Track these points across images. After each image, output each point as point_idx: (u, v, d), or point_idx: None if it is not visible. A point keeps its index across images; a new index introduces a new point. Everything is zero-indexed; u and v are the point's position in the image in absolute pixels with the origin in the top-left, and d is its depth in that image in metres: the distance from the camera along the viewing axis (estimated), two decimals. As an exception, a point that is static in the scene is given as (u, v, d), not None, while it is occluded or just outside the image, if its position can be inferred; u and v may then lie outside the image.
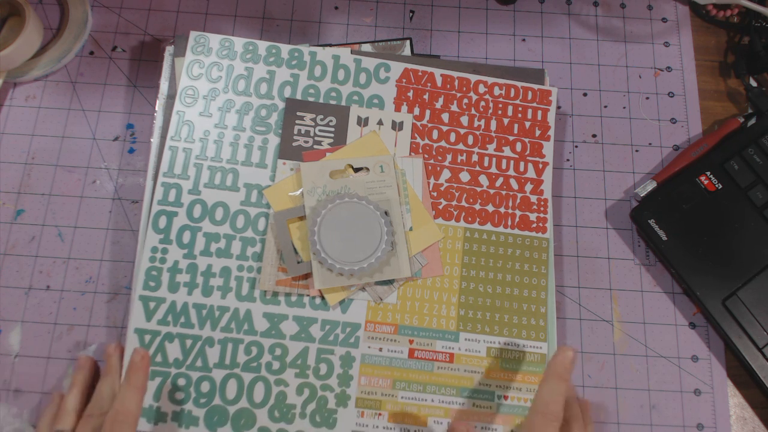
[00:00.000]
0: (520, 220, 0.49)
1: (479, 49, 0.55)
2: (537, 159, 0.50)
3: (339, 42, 0.55)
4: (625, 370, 0.48)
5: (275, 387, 0.45)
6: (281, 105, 0.50)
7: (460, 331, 0.46)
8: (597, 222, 0.52)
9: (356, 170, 0.48)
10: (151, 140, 0.49)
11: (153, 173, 0.48)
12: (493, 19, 0.56)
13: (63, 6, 0.54)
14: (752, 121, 0.53)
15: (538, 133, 0.51)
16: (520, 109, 0.51)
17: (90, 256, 0.49)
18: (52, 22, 0.54)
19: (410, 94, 0.51)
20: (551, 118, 0.51)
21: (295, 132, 0.49)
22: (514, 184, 0.50)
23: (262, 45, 0.51)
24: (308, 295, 0.46)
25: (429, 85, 0.51)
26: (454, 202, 0.49)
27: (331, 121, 0.49)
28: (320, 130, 0.49)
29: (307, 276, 0.46)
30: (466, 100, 0.51)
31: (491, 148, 0.50)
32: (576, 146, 0.53)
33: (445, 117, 0.50)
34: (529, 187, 0.50)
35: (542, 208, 0.49)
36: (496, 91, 0.51)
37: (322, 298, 0.46)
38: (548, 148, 0.50)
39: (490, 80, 0.51)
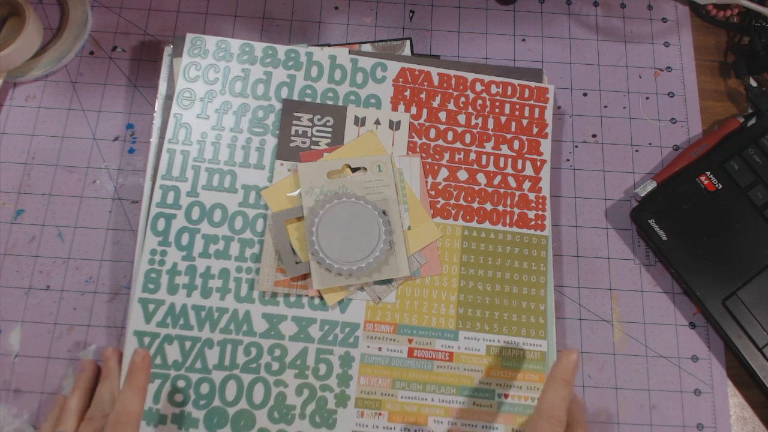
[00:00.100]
0: (519, 218, 0.49)
1: (479, 49, 0.55)
2: (535, 157, 0.50)
3: (339, 42, 0.55)
4: (625, 370, 0.48)
5: (275, 388, 0.45)
6: (278, 106, 0.50)
7: (459, 329, 0.46)
8: (597, 222, 0.52)
9: (354, 170, 0.48)
10: (150, 141, 0.49)
11: (152, 174, 0.48)
12: (493, 19, 0.56)
13: (63, 6, 0.54)
14: (752, 121, 0.53)
15: (535, 130, 0.51)
16: (517, 107, 0.51)
17: (90, 256, 0.49)
18: (52, 22, 0.54)
19: (407, 93, 0.51)
20: (549, 115, 0.51)
21: (293, 132, 0.49)
22: (512, 182, 0.50)
23: (259, 46, 0.51)
24: (307, 296, 0.46)
25: (426, 84, 0.51)
26: (452, 201, 0.49)
27: (328, 121, 0.49)
28: (317, 131, 0.49)
29: (306, 276, 0.46)
30: (463, 99, 0.51)
31: (489, 147, 0.50)
32: (576, 146, 0.53)
33: (443, 116, 0.50)
34: (527, 184, 0.50)
35: (540, 206, 0.49)
36: (493, 89, 0.51)
37: (321, 298, 0.46)
38: (546, 145, 0.50)
39: (487, 78, 0.51)
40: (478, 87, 0.51)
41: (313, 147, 0.49)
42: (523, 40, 0.56)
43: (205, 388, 0.44)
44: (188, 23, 0.55)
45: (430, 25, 0.56)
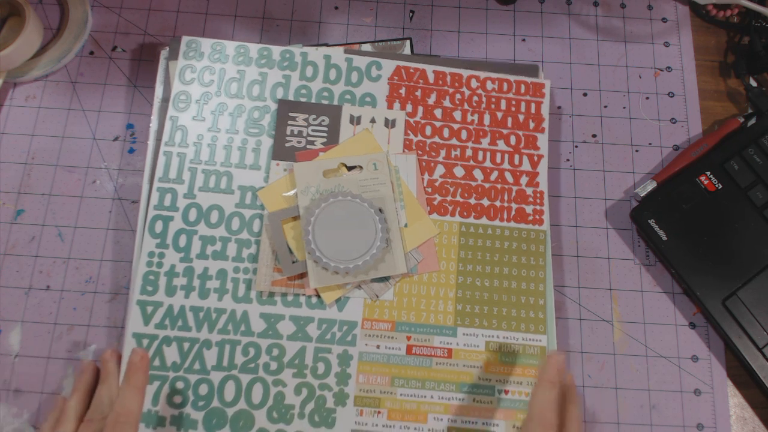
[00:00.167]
0: (516, 213, 0.49)
1: (479, 49, 0.55)
2: (532, 151, 0.50)
3: (339, 42, 0.55)
4: (625, 370, 0.48)
5: (273, 387, 0.45)
6: (274, 106, 0.50)
7: (457, 326, 0.46)
8: (597, 222, 0.52)
9: (350, 169, 0.48)
10: (148, 143, 0.49)
11: (149, 177, 0.48)
12: (493, 19, 0.56)
13: (63, 6, 0.54)
14: (752, 121, 0.53)
15: (532, 125, 0.51)
16: (513, 102, 0.51)
17: (90, 256, 0.49)
18: (52, 22, 0.54)
19: (402, 91, 0.51)
20: (545, 110, 0.51)
21: (288, 133, 0.49)
22: (509, 178, 0.50)
23: (254, 47, 0.51)
24: (304, 295, 0.46)
25: (421, 81, 0.51)
26: (449, 197, 0.49)
27: (323, 120, 0.50)
28: (313, 130, 0.49)
29: (303, 275, 0.46)
30: (458, 96, 0.51)
31: (485, 143, 0.50)
32: (576, 146, 0.53)
33: (438, 113, 0.51)
34: (524, 179, 0.50)
35: (538, 201, 0.49)
36: (489, 85, 0.51)
37: (318, 297, 0.46)
38: (543, 140, 0.50)
39: (483, 75, 0.51)
40: (474, 83, 0.51)
41: (308, 147, 0.49)
42: (523, 40, 0.56)
43: (203, 389, 0.44)
44: (188, 23, 0.55)
45: (430, 25, 0.56)
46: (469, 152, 0.50)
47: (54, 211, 0.50)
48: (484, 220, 0.49)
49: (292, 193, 0.48)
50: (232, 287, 0.46)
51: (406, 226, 0.48)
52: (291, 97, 0.50)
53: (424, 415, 0.45)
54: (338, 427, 0.44)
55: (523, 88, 0.51)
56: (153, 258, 0.46)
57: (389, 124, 0.50)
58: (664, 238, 0.49)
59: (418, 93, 0.51)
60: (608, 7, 0.57)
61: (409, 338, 0.46)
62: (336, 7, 0.56)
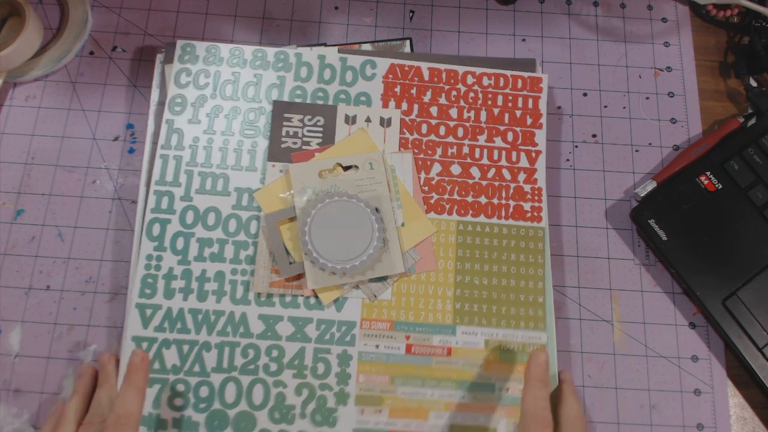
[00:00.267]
0: (515, 211, 0.49)
1: (479, 49, 0.55)
2: (530, 148, 0.50)
3: (339, 42, 0.55)
4: (625, 370, 0.48)
5: (274, 388, 0.45)
6: (269, 108, 0.50)
7: (456, 324, 0.46)
8: (597, 222, 0.52)
9: (345, 169, 0.48)
10: (145, 146, 0.49)
11: (146, 179, 0.48)
12: (493, 19, 0.56)
13: (63, 6, 0.54)
14: (752, 121, 0.53)
15: (529, 121, 0.51)
16: (510, 98, 0.51)
17: (90, 256, 0.49)
18: (52, 22, 0.54)
19: (397, 89, 0.51)
20: (543, 105, 0.51)
21: (284, 134, 0.49)
22: (507, 175, 0.49)
23: (248, 49, 0.51)
24: (302, 296, 0.46)
25: (416, 79, 0.51)
26: (446, 196, 0.49)
27: (318, 121, 0.50)
28: (308, 131, 0.49)
29: (300, 276, 0.46)
30: (454, 93, 0.51)
31: (482, 139, 0.50)
32: (576, 146, 0.53)
33: (434, 110, 0.50)
34: (522, 176, 0.50)
35: (536, 198, 0.49)
36: (485, 81, 0.51)
37: (317, 297, 0.46)
38: (541, 136, 0.50)
39: (479, 70, 0.51)
40: (470, 80, 0.51)
41: (304, 147, 0.49)
42: (523, 40, 0.56)
43: (204, 391, 0.44)
44: (188, 23, 0.55)
45: (430, 25, 0.56)
46: (465, 149, 0.50)
47: (54, 211, 0.50)
48: (481, 218, 0.49)
49: (288, 194, 0.48)
50: (230, 289, 0.46)
51: (403, 225, 0.48)
52: (286, 98, 0.50)
53: (425, 413, 0.45)
54: (340, 426, 0.44)
55: (520, 83, 0.51)
56: (151, 261, 0.46)
57: (385, 123, 0.50)
58: (664, 238, 0.49)
59: (414, 91, 0.51)
60: (608, 7, 0.57)
61: (408, 337, 0.46)
62: (336, 7, 0.56)
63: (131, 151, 0.51)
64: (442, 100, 0.51)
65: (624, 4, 0.57)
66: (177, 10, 0.55)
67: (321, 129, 0.49)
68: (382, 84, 0.51)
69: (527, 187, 0.49)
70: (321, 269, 0.45)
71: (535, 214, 0.49)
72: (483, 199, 0.49)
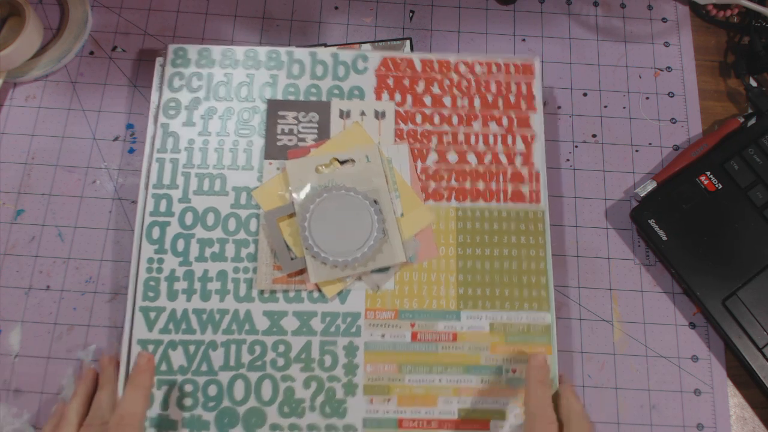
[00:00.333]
0: (513, 194, 0.49)
1: (479, 50, 0.55)
2: (525, 132, 0.50)
3: (339, 42, 0.55)
4: (625, 370, 0.48)
5: (282, 383, 0.45)
6: (263, 106, 0.50)
7: (461, 309, 0.46)
8: (597, 222, 0.52)
9: (342, 163, 0.49)
10: (145, 147, 0.49)
11: (146, 180, 0.48)
12: (493, 19, 0.56)
13: (63, 6, 0.54)
14: (752, 121, 0.53)
15: (524, 105, 0.51)
16: (503, 84, 0.51)
17: (90, 256, 0.49)
18: (52, 22, 0.54)
19: (390, 81, 0.51)
20: (536, 88, 0.51)
21: (279, 131, 0.49)
22: (504, 159, 0.50)
23: (240, 50, 0.51)
24: (305, 290, 0.46)
25: (408, 71, 0.51)
26: (444, 183, 0.49)
27: (313, 117, 0.50)
28: (303, 127, 0.49)
29: (303, 271, 0.46)
30: (447, 82, 0.51)
31: (477, 126, 0.50)
32: (576, 146, 0.53)
33: (428, 100, 0.51)
34: (519, 160, 0.50)
35: (534, 181, 0.49)
36: (478, 69, 0.51)
37: (320, 291, 0.46)
38: (536, 119, 0.50)
39: (471, 59, 0.51)
40: (462, 68, 0.51)
41: (300, 144, 0.49)
42: (523, 40, 0.56)
43: (212, 390, 0.44)
44: (188, 23, 0.55)
45: (430, 25, 0.56)
46: (461, 137, 0.50)
47: (54, 211, 0.50)
48: (480, 203, 0.49)
49: (286, 191, 0.48)
50: (233, 287, 0.46)
51: (402, 215, 0.48)
52: (279, 96, 0.50)
53: (434, 399, 0.45)
54: (350, 417, 0.44)
55: (512, 69, 0.51)
56: (152, 264, 0.46)
57: (379, 115, 0.50)
58: (664, 238, 0.49)
59: (406, 82, 0.51)
60: (608, 7, 0.57)
61: (413, 325, 0.46)
62: (336, 7, 0.56)
63: (131, 151, 0.51)
64: (435, 90, 0.51)
65: (624, 4, 0.57)
66: (177, 10, 0.55)
67: (316, 125, 0.50)
68: (375, 77, 0.51)
69: (524, 171, 0.49)
70: (323, 263, 0.45)
71: (534, 196, 0.49)
72: (481, 185, 0.49)
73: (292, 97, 0.50)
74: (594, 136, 0.54)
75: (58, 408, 0.43)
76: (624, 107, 0.54)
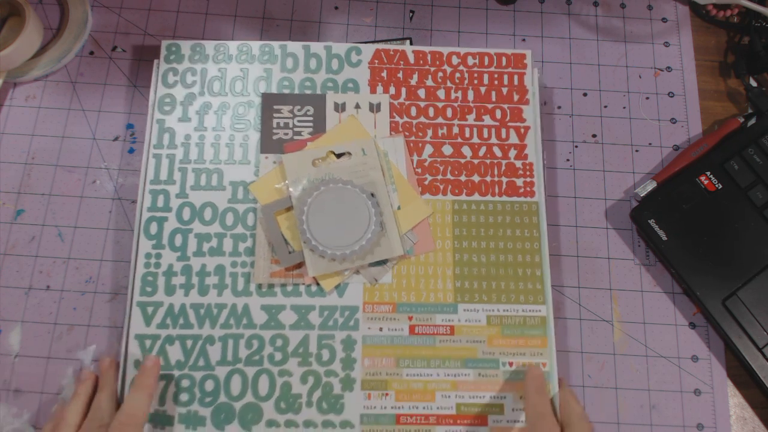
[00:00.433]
0: (507, 187, 0.49)
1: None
2: (518, 124, 0.50)
3: (339, 42, 0.55)
4: (625, 370, 0.48)
5: (279, 378, 0.45)
6: (257, 100, 0.50)
7: (458, 302, 0.47)
8: (597, 222, 0.52)
9: (338, 156, 0.49)
10: (144, 146, 0.49)
11: (144, 179, 0.48)
12: (493, 19, 0.56)
13: (63, 6, 0.54)
14: (752, 121, 0.53)
15: (516, 98, 0.51)
16: (495, 76, 0.51)
17: (90, 256, 0.49)
18: (52, 22, 0.54)
19: (384, 74, 0.51)
20: (528, 81, 0.51)
21: (274, 125, 0.49)
22: (498, 152, 0.50)
23: (233, 45, 0.51)
24: (304, 284, 0.46)
25: (402, 63, 0.51)
26: (440, 176, 0.49)
27: (308, 110, 0.50)
28: (299, 121, 0.50)
29: (301, 265, 0.46)
30: (440, 74, 0.51)
31: (471, 119, 0.50)
32: (576, 146, 0.53)
33: (422, 93, 0.51)
34: (512, 153, 0.50)
35: (528, 173, 0.49)
36: (470, 61, 0.52)
37: (318, 285, 0.46)
38: (529, 112, 0.51)
39: (463, 51, 0.52)
40: (455, 60, 0.51)
41: (296, 137, 0.49)
42: (523, 40, 0.56)
43: (209, 385, 0.44)
44: (188, 23, 0.55)
45: (430, 25, 0.56)
46: (455, 130, 0.50)
47: (54, 211, 0.50)
48: (476, 197, 0.49)
49: (283, 184, 0.48)
50: (231, 282, 0.46)
51: (399, 208, 0.48)
52: (274, 90, 0.50)
53: (431, 394, 0.45)
54: (347, 413, 0.44)
55: (504, 61, 0.52)
56: (150, 259, 0.46)
57: (374, 108, 0.50)
58: (664, 238, 0.49)
59: (400, 75, 0.51)
60: (608, 7, 0.57)
61: (410, 318, 0.46)
62: (336, 7, 0.56)
63: (131, 151, 0.51)
64: (429, 82, 0.51)
65: (624, 4, 0.57)
66: (177, 10, 0.55)
67: (311, 118, 0.50)
68: (369, 70, 0.51)
69: (518, 163, 0.50)
70: (321, 256, 0.46)
71: (528, 189, 0.49)
72: (476, 178, 0.49)
73: (286, 91, 0.50)
74: (594, 136, 0.54)
75: (58, 410, 0.43)
76: (624, 107, 0.54)
